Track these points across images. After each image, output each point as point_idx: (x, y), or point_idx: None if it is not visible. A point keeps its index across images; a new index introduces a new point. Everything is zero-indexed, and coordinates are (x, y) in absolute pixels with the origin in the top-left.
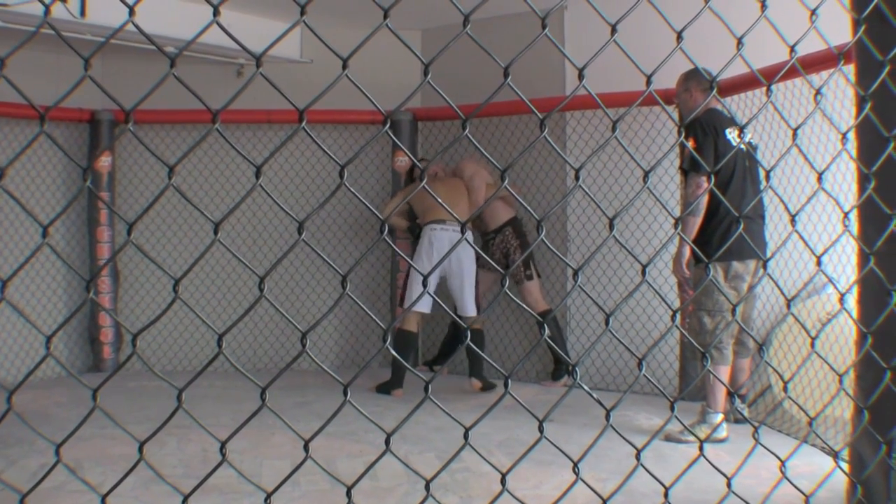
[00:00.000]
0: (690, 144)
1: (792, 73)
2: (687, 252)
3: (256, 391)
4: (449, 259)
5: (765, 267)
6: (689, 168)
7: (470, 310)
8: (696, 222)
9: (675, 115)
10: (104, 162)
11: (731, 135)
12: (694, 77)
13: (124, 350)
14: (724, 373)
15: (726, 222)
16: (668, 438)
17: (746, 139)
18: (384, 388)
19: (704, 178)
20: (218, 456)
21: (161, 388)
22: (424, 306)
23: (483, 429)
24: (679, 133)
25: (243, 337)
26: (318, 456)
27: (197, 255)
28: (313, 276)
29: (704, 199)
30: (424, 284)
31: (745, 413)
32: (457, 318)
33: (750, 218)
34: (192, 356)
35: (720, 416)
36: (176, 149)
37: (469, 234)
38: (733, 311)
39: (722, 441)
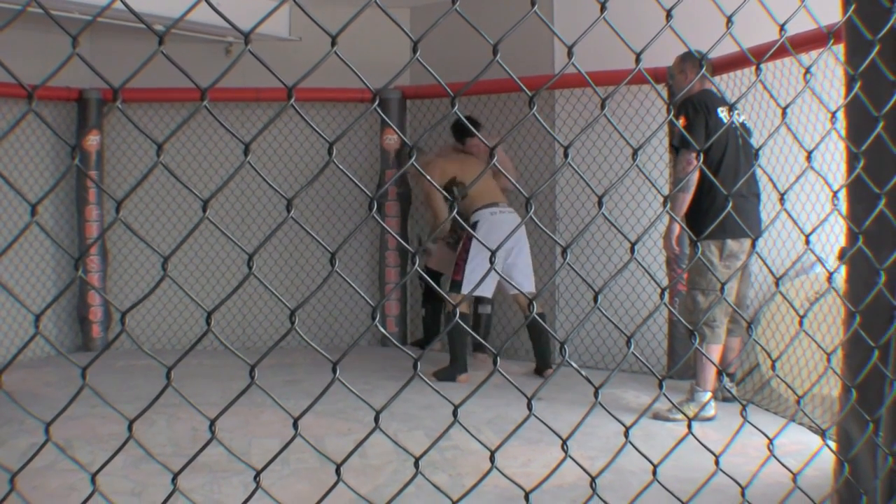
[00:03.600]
0: (681, 122)
1: (782, 52)
2: (676, 228)
3: (246, 369)
4: (514, 242)
5: (753, 245)
6: (679, 145)
7: (529, 286)
8: (686, 199)
9: (665, 94)
10: (93, 141)
11: (723, 113)
12: (690, 59)
13: (113, 329)
14: (716, 351)
15: (720, 200)
16: (657, 416)
17: (740, 120)
18: (447, 375)
19: (694, 155)
20: (207, 434)
21: (150, 366)
22: (487, 290)
23: (472, 407)
24: (668, 111)
25: (232, 315)
26: (308, 434)
27: (186, 233)
28: (302, 254)
29: (695, 176)
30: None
31: (734, 391)
32: (445, 295)
33: (744, 196)
34: (181, 334)
35: (709, 395)
36: (165, 127)
37: (515, 215)
38: (722, 290)
39: (710, 419)
